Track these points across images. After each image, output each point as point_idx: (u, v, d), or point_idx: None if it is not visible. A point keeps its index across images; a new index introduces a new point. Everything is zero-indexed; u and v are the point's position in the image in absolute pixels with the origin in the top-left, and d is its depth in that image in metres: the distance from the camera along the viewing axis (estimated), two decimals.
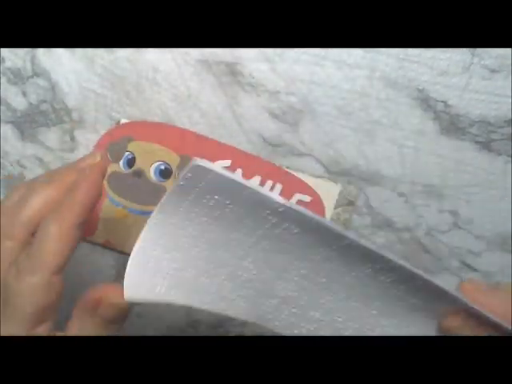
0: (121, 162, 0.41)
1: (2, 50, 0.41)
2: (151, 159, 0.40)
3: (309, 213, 0.23)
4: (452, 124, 0.38)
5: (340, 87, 0.39)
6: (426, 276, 0.23)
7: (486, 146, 0.38)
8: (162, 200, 0.24)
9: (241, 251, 0.25)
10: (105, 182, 0.41)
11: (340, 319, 0.27)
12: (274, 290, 0.27)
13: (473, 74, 0.37)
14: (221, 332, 0.44)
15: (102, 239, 0.42)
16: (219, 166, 0.22)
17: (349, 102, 0.39)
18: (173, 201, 0.24)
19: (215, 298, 0.27)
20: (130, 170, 0.40)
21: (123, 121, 0.40)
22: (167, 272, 0.26)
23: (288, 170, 0.40)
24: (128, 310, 0.27)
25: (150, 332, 0.45)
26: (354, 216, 0.40)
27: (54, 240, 0.24)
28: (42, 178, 0.28)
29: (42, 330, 0.26)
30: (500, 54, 0.37)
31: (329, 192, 0.40)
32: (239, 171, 0.40)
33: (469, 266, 0.41)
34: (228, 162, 0.40)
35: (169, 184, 0.40)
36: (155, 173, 0.40)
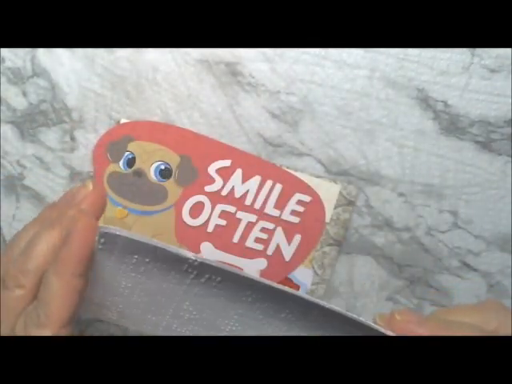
0: (121, 162, 0.41)
1: (2, 50, 0.41)
2: (151, 159, 0.40)
3: (220, 265, 0.23)
4: (452, 124, 0.38)
5: (340, 87, 0.39)
6: (346, 313, 0.24)
7: (485, 145, 0.38)
8: (95, 255, 0.25)
9: (176, 297, 0.26)
10: (105, 182, 0.41)
11: None
12: (218, 326, 0.28)
13: (473, 73, 0.37)
14: None
15: None
16: (126, 231, 0.23)
17: (349, 102, 0.39)
18: (101, 259, 0.25)
19: (167, 329, 0.28)
20: (130, 170, 0.40)
21: (123, 121, 0.40)
22: (115, 309, 0.28)
23: (288, 169, 0.40)
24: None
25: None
26: (353, 216, 0.40)
27: (57, 295, 0.25)
28: (45, 218, 0.28)
29: None
30: (500, 54, 0.37)
31: (329, 192, 0.40)
32: (239, 171, 0.40)
33: (468, 266, 0.41)
34: (228, 162, 0.40)
35: (169, 184, 0.40)
36: (155, 173, 0.40)
